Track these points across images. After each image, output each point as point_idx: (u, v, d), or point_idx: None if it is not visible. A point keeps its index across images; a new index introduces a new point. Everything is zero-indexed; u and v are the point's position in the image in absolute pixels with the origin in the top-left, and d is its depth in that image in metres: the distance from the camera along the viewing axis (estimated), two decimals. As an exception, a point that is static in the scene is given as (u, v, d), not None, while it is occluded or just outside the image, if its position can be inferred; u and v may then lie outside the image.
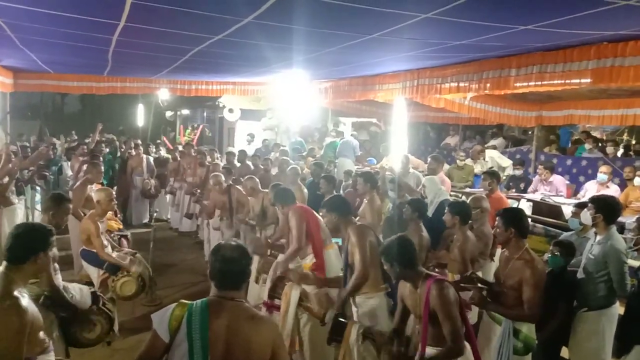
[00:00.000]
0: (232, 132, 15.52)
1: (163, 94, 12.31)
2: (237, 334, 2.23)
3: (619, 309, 4.04)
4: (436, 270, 4.63)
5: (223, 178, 7.31)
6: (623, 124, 9.45)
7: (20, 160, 6.98)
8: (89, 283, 4.84)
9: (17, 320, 2.32)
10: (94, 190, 5.99)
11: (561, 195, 7.56)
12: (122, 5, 3.94)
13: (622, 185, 7.51)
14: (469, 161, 9.24)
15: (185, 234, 9.92)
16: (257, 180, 6.77)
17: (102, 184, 6.91)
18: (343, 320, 3.89)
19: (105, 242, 5.18)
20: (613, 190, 7.05)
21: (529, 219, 5.43)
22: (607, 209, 4.01)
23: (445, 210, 4.72)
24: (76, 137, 14.36)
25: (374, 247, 3.86)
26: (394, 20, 4.14)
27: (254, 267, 5.31)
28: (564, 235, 5.07)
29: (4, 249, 2.60)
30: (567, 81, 5.16)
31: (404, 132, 8.39)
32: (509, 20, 4.09)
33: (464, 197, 7.10)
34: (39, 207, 7.91)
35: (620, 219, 4.91)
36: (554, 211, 6.78)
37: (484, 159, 9.47)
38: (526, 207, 7.27)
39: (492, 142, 11.19)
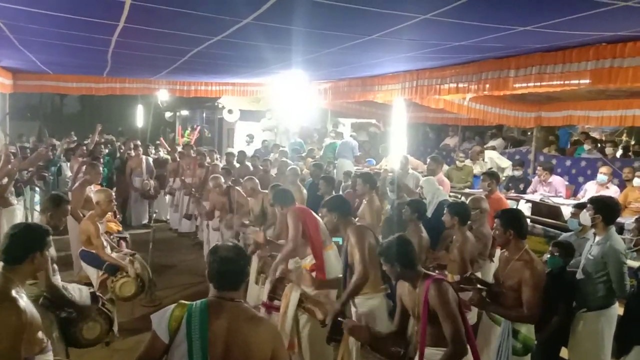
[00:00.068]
0: (232, 132, 15.51)
1: (162, 95, 12.32)
2: (237, 335, 2.23)
3: (618, 309, 4.04)
4: (436, 271, 4.63)
5: (223, 180, 7.31)
6: (622, 124, 9.47)
7: (19, 161, 6.97)
8: (89, 284, 4.83)
9: (15, 320, 2.31)
10: (93, 191, 5.99)
11: (560, 196, 7.56)
12: (121, 6, 3.94)
13: (621, 186, 7.51)
14: (468, 162, 9.25)
15: (185, 235, 9.91)
16: (257, 181, 6.77)
17: (100, 185, 6.91)
18: (342, 320, 3.89)
19: (105, 243, 5.18)
20: (612, 191, 7.05)
21: (528, 220, 5.43)
22: (606, 210, 4.01)
23: (444, 211, 4.72)
24: (75, 138, 14.36)
25: (373, 248, 3.85)
26: (393, 21, 4.15)
27: (253, 267, 5.32)
28: (563, 235, 5.06)
29: (0, 249, 2.60)
30: (566, 82, 5.17)
31: (403, 132, 8.40)
32: (508, 21, 4.10)
33: (463, 198, 7.10)
34: (38, 208, 7.89)
35: (619, 219, 4.92)
36: (553, 212, 6.79)
37: (483, 160, 9.48)
38: (525, 208, 7.28)
39: (492, 143, 11.20)
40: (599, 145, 10.65)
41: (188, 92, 11.15)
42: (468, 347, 3.04)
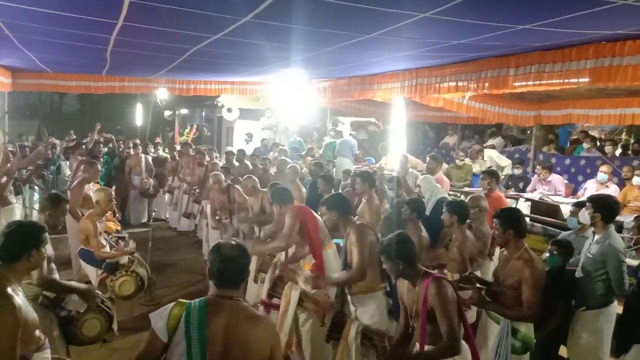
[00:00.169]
0: (231, 131, 15.51)
1: (161, 94, 12.30)
2: (235, 333, 2.23)
3: (617, 308, 4.05)
4: (435, 270, 4.63)
5: (223, 177, 7.31)
6: (621, 123, 9.46)
7: (18, 160, 6.97)
8: (88, 283, 4.83)
9: (10, 318, 2.31)
10: (92, 190, 5.99)
11: (559, 195, 7.57)
12: (120, 4, 3.93)
13: (621, 185, 7.52)
14: (467, 160, 9.25)
15: (184, 234, 9.91)
16: (256, 179, 6.77)
17: (99, 183, 6.90)
18: (342, 318, 3.90)
19: (104, 242, 5.17)
20: (612, 190, 7.06)
21: (528, 219, 5.43)
22: (605, 208, 4.01)
23: (444, 210, 4.72)
24: (75, 137, 14.34)
25: (374, 247, 3.85)
26: (393, 20, 4.14)
27: (252, 266, 5.32)
28: (563, 234, 5.07)
29: None
30: (566, 80, 5.17)
31: (402, 131, 8.40)
32: (507, 19, 4.09)
33: (462, 197, 7.10)
34: (37, 206, 7.89)
35: (618, 218, 4.92)
36: (553, 210, 6.79)
37: (482, 159, 9.48)
38: (525, 207, 7.28)
39: (491, 142, 11.20)
40: (599, 143, 10.66)
41: (187, 91, 11.13)
42: (466, 346, 3.05)
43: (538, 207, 7.16)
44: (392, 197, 6.23)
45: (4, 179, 6.30)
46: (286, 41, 5.33)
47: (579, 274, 4.10)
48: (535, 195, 7.57)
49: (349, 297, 4.06)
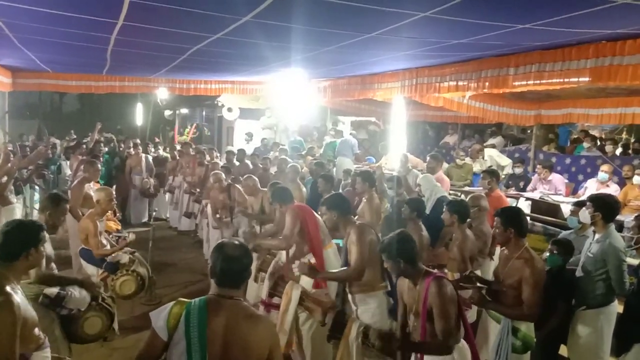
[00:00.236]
0: (231, 131, 15.51)
1: (162, 93, 12.30)
2: (235, 333, 2.24)
3: (617, 307, 4.04)
4: (435, 269, 4.64)
5: (223, 176, 7.32)
6: (622, 122, 9.47)
7: (19, 160, 6.97)
8: (88, 282, 4.83)
9: (9, 316, 2.32)
10: (93, 190, 5.99)
11: (560, 194, 7.57)
12: (121, 4, 3.94)
13: (621, 184, 7.52)
14: (468, 160, 9.25)
15: (185, 233, 9.91)
16: (256, 179, 6.78)
17: (99, 183, 6.91)
18: (343, 317, 3.90)
19: (105, 242, 5.17)
20: (613, 190, 7.06)
21: (528, 218, 5.43)
22: (605, 208, 4.01)
23: (444, 209, 4.72)
24: (75, 137, 14.35)
25: (374, 246, 3.85)
26: (393, 19, 4.14)
27: (253, 265, 5.31)
28: (563, 233, 5.07)
29: None
30: (566, 80, 5.17)
31: (402, 131, 8.40)
32: (507, 19, 4.09)
33: (463, 196, 7.11)
34: (37, 206, 7.90)
35: (619, 217, 4.91)
36: (553, 210, 6.79)
37: (483, 158, 9.48)
38: (525, 206, 7.28)
39: (491, 141, 11.20)
40: (599, 143, 10.66)
41: (187, 90, 11.14)
42: (466, 345, 3.06)
43: (538, 206, 7.16)
44: (393, 197, 6.23)
45: (5, 178, 6.30)
46: (286, 41, 5.33)
47: (579, 273, 4.10)
48: (536, 195, 7.58)
49: (349, 296, 4.06)
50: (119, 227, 6.44)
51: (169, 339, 2.24)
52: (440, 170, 7.20)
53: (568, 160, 9.69)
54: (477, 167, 9.01)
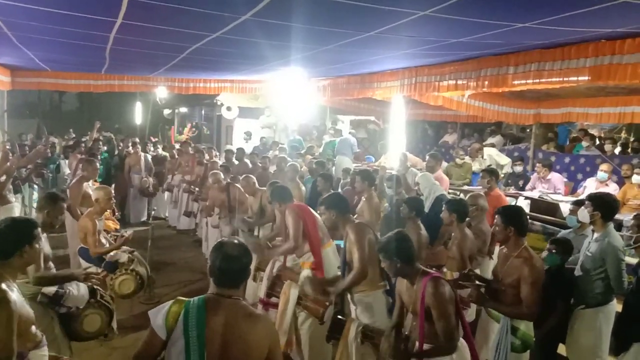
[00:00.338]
0: (230, 130, 15.52)
1: (161, 92, 12.29)
2: (234, 332, 2.23)
3: (616, 306, 4.05)
4: (433, 269, 4.64)
5: (222, 176, 7.31)
6: (621, 121, 9.47)
7: (18, 159, 6.97)
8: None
9: (5, 313, 2.32)
10: (91, 188, 5.98)
11: (559, 193, 7.57)
12: (119, 3, 3.93)
13: (620, 183, 7.53)
14: (467, 159, 9.25)
15: (184, 232, 9.91)
16: (254, 178, 6.77)
17: (97, 181, 6.90)
18: (342, 317, 3.90)
19: (104, 241, 5.17)
20: (612, 189, 7.07)
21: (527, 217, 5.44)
22: (604, 207, 4.02)
23: (443, 208, 4.72)
24: (74, 135, 14.35)
25: (373, 245, 3.85)
26: (392, 18, 4.14)
27: (252, 265, 5.31)
28: (562, 232, 5.07)
29: None
30: (565, 79, 5.17)
31: (402, 129, 8.39)
32: (506, 17, 4.09)
33: (462, 195, 7.11)
34: (36, 205, 7.89)
35: (617, 216, 4.92)
36: (552, 209, 6.79)
37: (482, 157, 9.48)
38: (524, 205, 7.28)
39: (491, 140, 11.20)
40: (598, 142, 10.66)
41: (187, 89, 11.13)
42: (465, 344, 3.06)
43: (537, 205, 7.16)
44: (392, 196, 6.23)
45: (4, 177, 6.30)
46: (285, 39, 5.32)
47: (578, 272, 4.10)
48: (535, 194, 7.58)
49: (348, 296, 4.06)
50: (118, 226, 6.43)
51: (168, 338, 2.24)
52: (439, 169, 7.20)
53: (567, 159, 9.70)
54: (476, 166, 9.02)
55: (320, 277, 4.31)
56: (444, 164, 8.73)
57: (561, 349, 4.24)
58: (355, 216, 5.22)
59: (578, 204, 4.79)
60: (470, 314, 4.50)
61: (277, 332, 2.54)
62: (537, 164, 8.26)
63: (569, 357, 4.20)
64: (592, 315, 3.99)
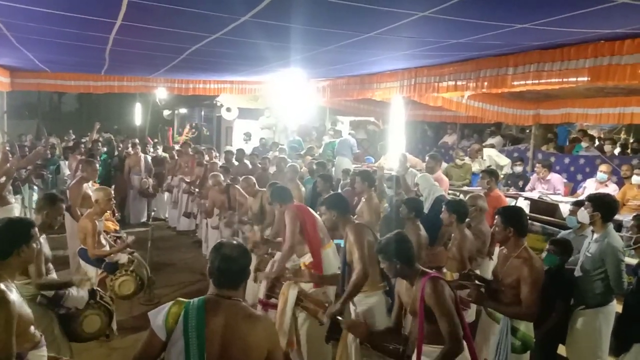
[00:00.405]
0: (230, 131, 15.51)
1: (160, 93, 12.29)
2: (234, 333, 2.23)
3: (616, 307, 4.05)
4: (433, 269, 4.63)
5: (222, 177, 7.31)
6: (620, 122, 9.48)
7: (17, 160, 6.97)
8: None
9: (4, 313, 2.31)
10: (91, 189, 5.98)
11: (559, 194, 7.57)
12: (119, 4, 3.93)
13: (620, 183, 7.53)
14: (467, 160, 9.25)
15: (184, 233, 9.91)
16: (254, 180, 6.77)
17: (96, 182, 6.90)
18: (341, 318, 3.89)
19: (104, 242, 5.17)
20: (612, 189, 7.07)
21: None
22: (604, 207, 4.02)
23: (443, 209, 4.72)
24: (74, 136, 14.34)
25: (372, 246, 3.84)
26: (391, 19, 4.14)
27: (251, 266, 5.31)
28: (562, 233, 5.07)
29: None
30: (565, 79, 5.17)
31: (401, 130, 8.39)
32: (506, 18, 4.09)
33: (461, 196, 7.11)
34: (36, 206, 7.88)
35: (617, 217, 4.92)
36: (552, 209, 6.79)
37: (481, 158, 9.48)
38: (524, 206, 7.27)
39: (490, 141, 11.20)
40: (597, 142, 10.67)
41: (186, 90, 11.13)
42: (465, 345, 3.05)
43: (537, 206, 7.16)
44: (391, 196, 6.23)
45: (3, 178, 6.30)
46: (285, 40, 5.33)
47: (577, 272, 4.11)
48: (535, 194, 7.58)
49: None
50: (117, 227, 6.43)
51: (168, 339, 2.24)
52: (439, 170, 7.20)
53: (567, 160, 9.70)
54: (476, 167, 9.02)
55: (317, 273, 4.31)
56: (444, 165, 8.73)
57: (561, 350, 4.24)
58: (355, 217, 5.22)
59: (578, 204, 4.79)
60: (470, 314, 4.50)
61: (277, 333, 2.54)
62: (537, 165, 8.26)
63: (569, 358, 4.20)
64: (592, 315, 3.99)
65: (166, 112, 19.62)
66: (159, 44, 5.96)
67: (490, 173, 6.06)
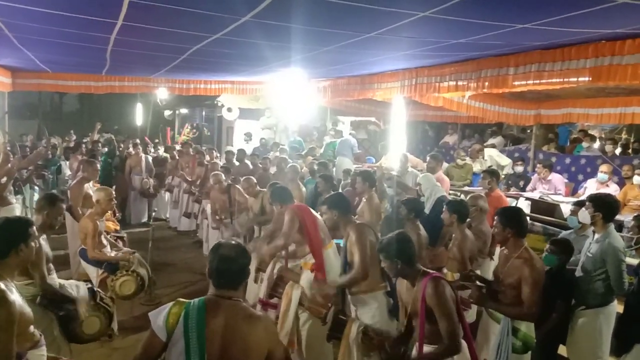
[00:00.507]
0: (231, 131, 15.51)
1: (161, 93, 12.30)
2: (234, 333, 2.24)
3: (616, 307, 4.05)
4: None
5: (223, 177, 7.32)
6: (621, 122, 9.47)
7: (18, 160, 6.97)
8: (87, 282, 4.82)
9: (4, 312, 2.32)
10: (92, 189, 5.99)
11: (559, 194, 7.57)
12: (120, 4, 3.93)
13: (621, 184, 7.52)
14: (468, 160, 9.25)
15: (184, 233, 9.91)
16: (255, 180, 6.78)
17: (97, 182, 6.90)
18: (343, 317, 3.90)
19: (105, 242, 5.17)
20: (613, 189, 7.06)
21: (528, 218, 5.44)
22: (605, 208, 4.01)
23: (444, 209, 4.72)
24: (75, 137, 14.35)
25: (374, 246, 3.85)
26: (392, 19, 4.14)
27: (252, 266, 5.31)
28: (563, 233, 5.07)
29: None
30: (566, 79, 5.16)
31: (402, 130, 8.39)
32: (506, 18, 4.09)
33: (462, 196, 7.11)
34: (37, 206, 7.88)
35: (618, 217, 4.92)
36: (553, 209, 6.79)
37: (483, 158, 9.48)
38: (525, 206, 7.28)
39: (491, 141, 11.20)
40: (598, 142, 10.66)
41: (187, 90, 11.13)
42: (465, 345, 3.05)
43: (538, 206, 7.16)
44: (392, 197, 6.23)
45: (4, 179, 6.31)
46: (286, 40, 5.33)
47: (578, 273, 4.10)
48: (535, 195, 7.57)
49: (348, 297, 4.06)
50: (118, 227, 6.44)
51: (168, 339, 2.24)
52: (440, 170, 7.20)
53: (568, 160, 9.69)
54: (477, 167, 9.02)
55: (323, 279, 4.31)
56: (445, 165, 8.73)
57: (562, 350, 4.24)
58: (355, 217, 5.22)
59: (579, 204, 4.79)
60: (470, 315, 4.49)
61: (277, 333, 2.54)
62: (538, 165, 8.25)
63: (569, 358, 4.19)
64: (593, 316, 3.98)
65: (167, 113, 19.64)
66: (159, 44, 5.96)
67: (492, 173, 6.06)
